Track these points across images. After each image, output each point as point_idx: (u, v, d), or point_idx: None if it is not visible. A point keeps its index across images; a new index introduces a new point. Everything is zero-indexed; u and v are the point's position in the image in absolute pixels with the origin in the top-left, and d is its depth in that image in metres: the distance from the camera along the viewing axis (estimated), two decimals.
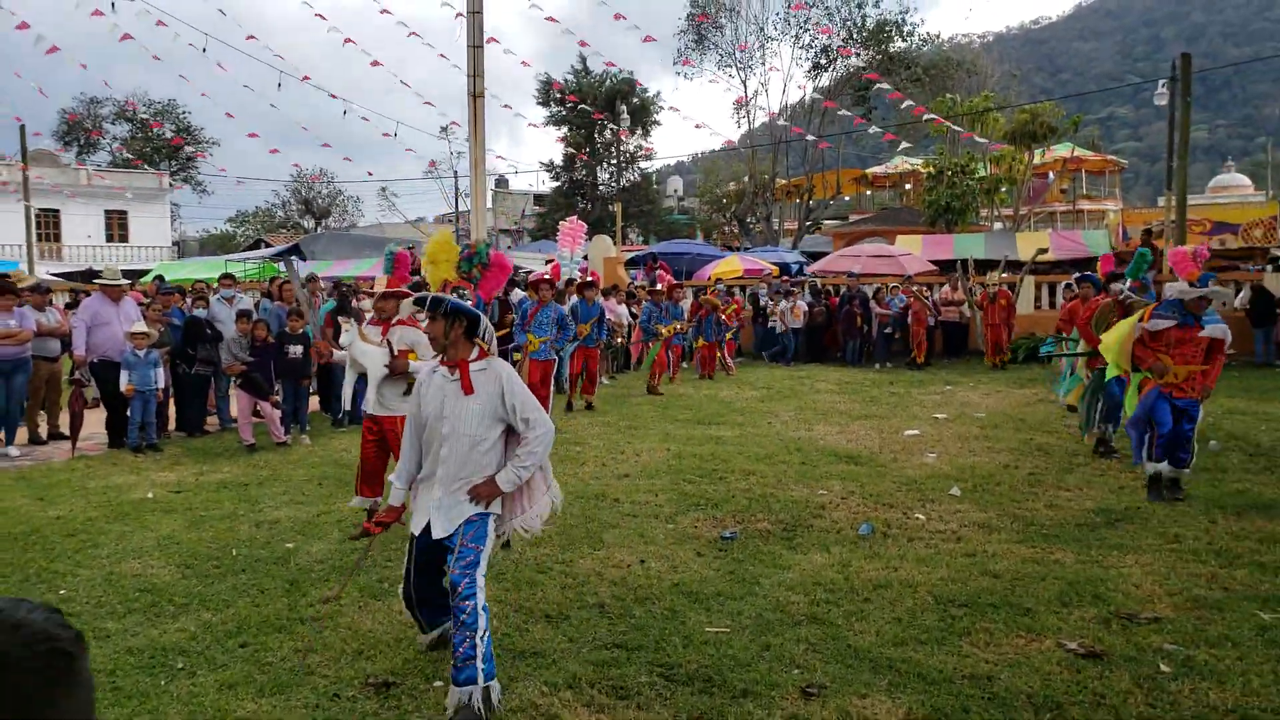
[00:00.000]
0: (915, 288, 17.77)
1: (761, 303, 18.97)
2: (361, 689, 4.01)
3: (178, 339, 10.49)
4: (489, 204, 9.21)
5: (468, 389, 3.98)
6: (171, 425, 10.71)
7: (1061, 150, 38.05)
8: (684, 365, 16.10)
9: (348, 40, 14.80)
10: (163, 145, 48.42)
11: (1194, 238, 19.17)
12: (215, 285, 12.49)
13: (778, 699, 3.90)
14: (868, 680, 4.06)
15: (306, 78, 16.74)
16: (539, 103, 45.82)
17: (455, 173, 43.14)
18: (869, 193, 47.62)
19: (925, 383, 14.76)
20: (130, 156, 45.91)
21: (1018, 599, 5.00)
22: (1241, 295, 16.19)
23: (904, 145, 29.61)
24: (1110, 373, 7.96)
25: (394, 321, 6.52)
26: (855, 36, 38.18)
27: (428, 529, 4.02)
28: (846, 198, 46.17)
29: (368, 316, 6.85)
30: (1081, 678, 4.06)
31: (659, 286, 15.65)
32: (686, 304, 16.71)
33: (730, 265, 22.80)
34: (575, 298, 12.60)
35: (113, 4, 12.14)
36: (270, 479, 8.27)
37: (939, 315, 18.07)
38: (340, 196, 57.95)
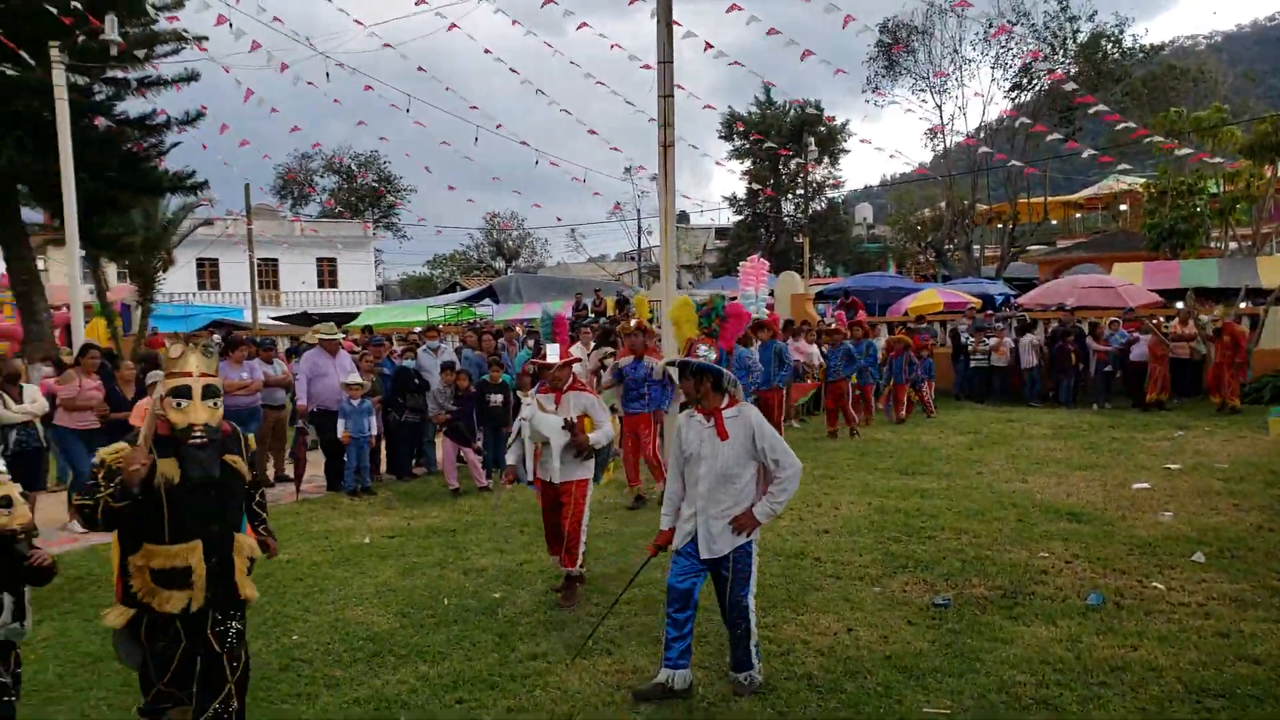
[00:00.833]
0: (1153, 320, 16.31)
1: (963, 339, 18.04)
2: None
3: (388, 388, 11.16)
4: (661, 242, 9.36)
5: (723, 435, 4.62)
6: (383, 468, 11.38)
7: None
8: (877, 408, 15.49)
9: (538, 91, 15.42)
10: (366, 194, 52.32)
11: None
12: (420, 337, 13.23)
13: None
14: None
15: (500, 126, 17.57)
16: (721, 137, 46.16)
17: (639, 212, 44.11)
18: (1078, 216, 44.74)
19: (1151, 427, 13.45)
20: (340, 209, 49.90)
21: None
22: None
23: (1122, 166, 27.26)
24: None
25: (565, 388, 6.36)
26: (1061, 52, 36.06)
27: (694, 546, 4.68)
28: (1053, 222, 43.51)
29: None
30: None
31: (833, 326, 15.28)
32: (880, 342, 16.17)
33: (929, 299, 21.78)
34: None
35: (327, 74, 13.27)
36: (475, 525, 8.57)
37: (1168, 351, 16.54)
38: (529, 238, 60.57)
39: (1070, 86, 23.80)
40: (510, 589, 6.50)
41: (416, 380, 11.19)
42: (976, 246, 41.28)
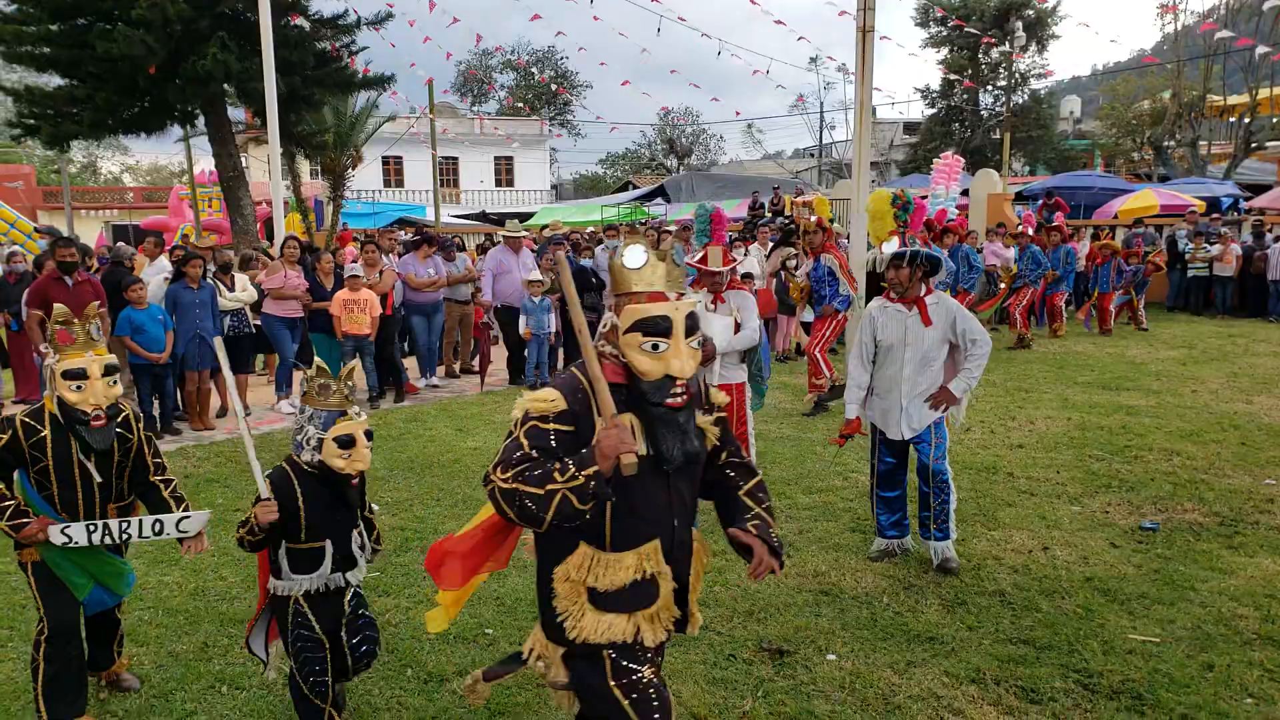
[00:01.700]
0: None
1: (1181, 247, 16.42)
2: (756, 653, 4.03)
3: None
4: (855, 137, 8.78)
5: (926, 321, 4.91)
6: (559, 365, 11.67)
7: None
8: (1076, 318, 14.48)
9: None
10: (543, 92, 52.64)
11: None
12: (600, 235, 13.32)
13: None
14: None
15: (682, 19, 17.15)
16: (917, 24, 43.24)
17: (821, 105, 42.31)
18: None
19: None
20: (518, 103, 50.51)
21: None
22: None
23: None
24: None
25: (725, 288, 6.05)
26: None
27: (886, 430, 5.06)
28: None
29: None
30: None
31: (1024, 229, 14.18)
32: (1083, 247, 15.00)
33: (1144, 200, 19.80)
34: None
35: None
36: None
37: None
38: (703, 135, 59.55)
39: None
40: None
41: (594, 279, 11.31)
42: (1203, 143, 37.01)
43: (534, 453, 2.33)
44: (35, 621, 3.53)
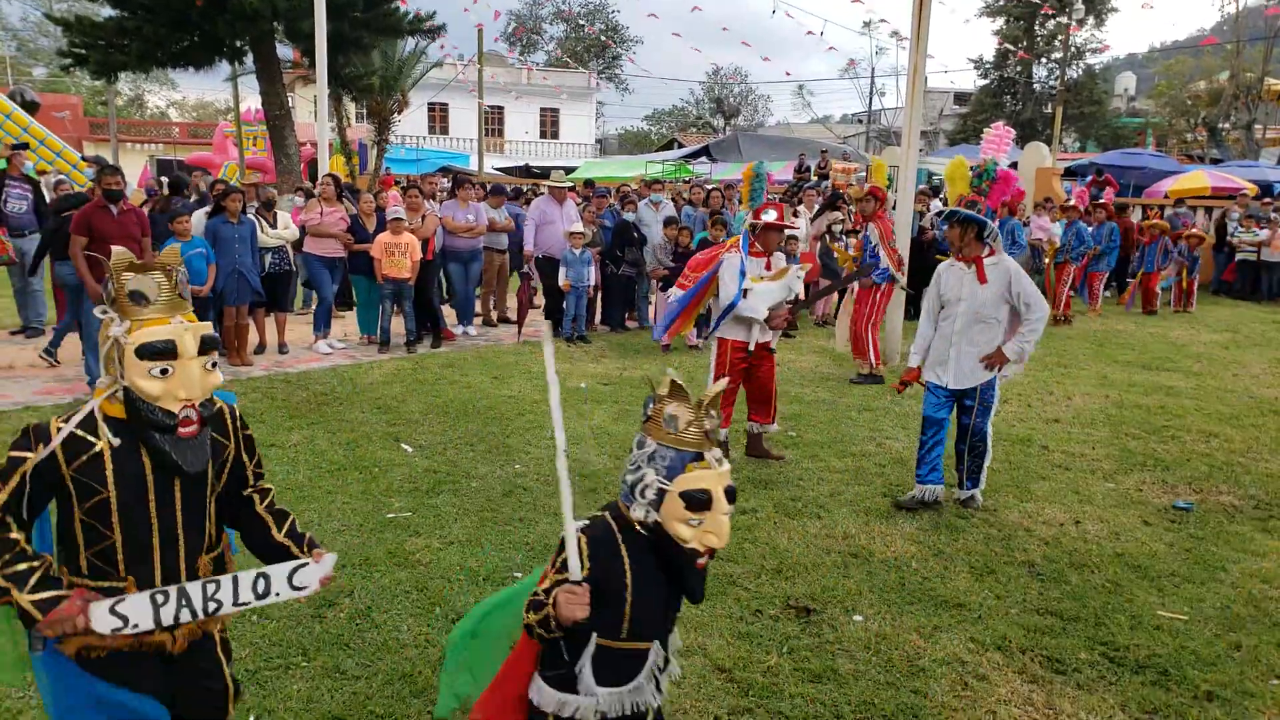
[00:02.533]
0: None
1: (1230, 230, 16.10)
2: (782, 609, 4.08)
3: (608, 240, 11.32)
4: (906, 104, 8.66)
5: (982, 279, 5.17)
6: (597, 319, 11.70)
7: None
8: (1105, 295, 14.27)
9: None
10: (593, 44, 52.07)
11: None
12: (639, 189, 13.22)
13: (1253, 711, 3.36)
14: None
15: None
16: None
17: (872, 70, 41.59)
18: None
19: None
20: (565, 57, 50.06)
21: None
22: None
23: None
24: None
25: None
26: None
27: (941, 382, 5.34)
28: None
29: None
30: None
31: (1070, 203, 13.91)
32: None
33: (1195, 181, 19.39)
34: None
35: None
36: (685, 380, 8.68)
37: None
38: (751, 95, 58.80)
39: None
40: None
41: (636, 234, 11.29)
42: (1259, 126, 36.10)
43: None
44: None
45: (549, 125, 46.37)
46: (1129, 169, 21.10)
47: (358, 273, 9.93)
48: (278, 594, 2.30)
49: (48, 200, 10.26)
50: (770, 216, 6.05)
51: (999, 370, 5.22)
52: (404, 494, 5.43)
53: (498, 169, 32.33)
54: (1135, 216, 16.21)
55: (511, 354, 9.90)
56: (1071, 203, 14.06)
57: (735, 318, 5.99)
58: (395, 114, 27.42)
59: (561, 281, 10.36)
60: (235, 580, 2.25)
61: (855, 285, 8.92)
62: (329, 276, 9.72)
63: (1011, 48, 39.12)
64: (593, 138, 48.60)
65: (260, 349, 9.39)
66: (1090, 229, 13.33)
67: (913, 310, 9.97)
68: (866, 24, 43.72)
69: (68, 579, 2.16)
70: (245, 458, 2.42)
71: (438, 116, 43.68)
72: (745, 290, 5.91)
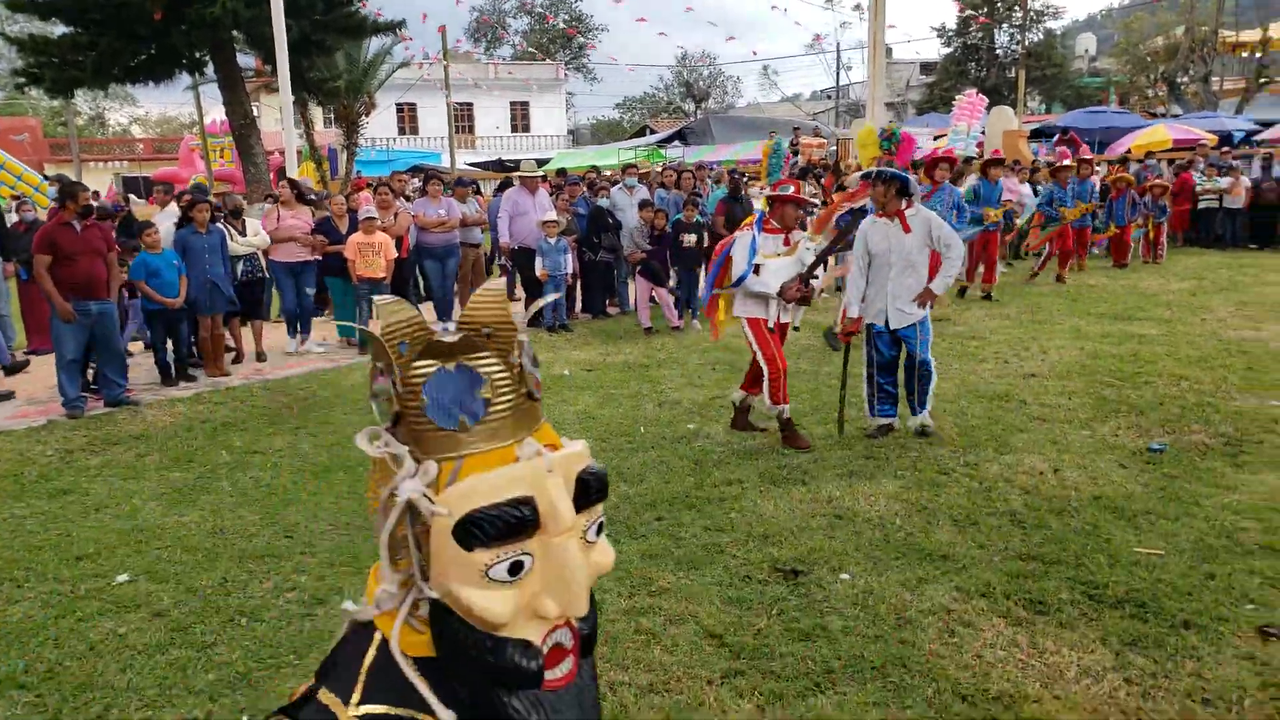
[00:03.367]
0: None
1: (1195, 181, 16.29)
2: (771, 573, 4.15)
3: (583, 227, 11.34)
4: (869, 74, 8.80)
5: (906, 229, 5.85)
6: (578, 307, 11.74)
7: None
8: (1094, 251, 14.44)
9: None
10: (558, 36, 51.88)
11: None
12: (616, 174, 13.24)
13: (1227, 635, 3.46)
14: None
15: None
16: None
17: (838, 45, 41.65)
18: None
19: None
20: (531, 49, 49.89)
21: None
22: None
23: None
24: None
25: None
26: None
27: (884, 325, 5.99)
28: None
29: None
30: None
31: (1065, 163, 13.97)
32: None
33: (1156, 135, 19.69)
34: (975, 177, 11.70)
35: None
36: (668, 361, 8.77)
37: None
38: (720, 78, 58.78)
39: None
40: (703, 421, 6.66)
41: (610, 219, 11.31)
42: (1216, 79, 36.48)
43: None
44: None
45: (520, 119, 46.20)
46: (1094, 127, 21.30)
47: (333, 275, 9.93)
48: None
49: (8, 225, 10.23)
50: (787, 191, 6.04)
51: (930, 306, 5.92)
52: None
53: (470, 165, 32.26)
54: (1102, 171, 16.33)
55: None
56: (1068, 163, 13.94)
57: (749, 294, 5.89)
58: (363, 116, 27.28)
59: (539, 271, 10.38)
60: None
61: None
62: (292, 283, 9.68)
63: (972, 14, 39.34)
64: (565, 129, 48.46)
65: (238, 358, 9.38)
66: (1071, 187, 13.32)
67: None
68: None
69: None
70: None
71: (406, 116, 43.48)
72: (757, 266, 5.84)
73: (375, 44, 24.54)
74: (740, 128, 30.55)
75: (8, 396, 8.10)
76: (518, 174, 11.34)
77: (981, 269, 11.47)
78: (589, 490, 1.08)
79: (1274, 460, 5.28)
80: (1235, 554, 4.13)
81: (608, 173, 17.17)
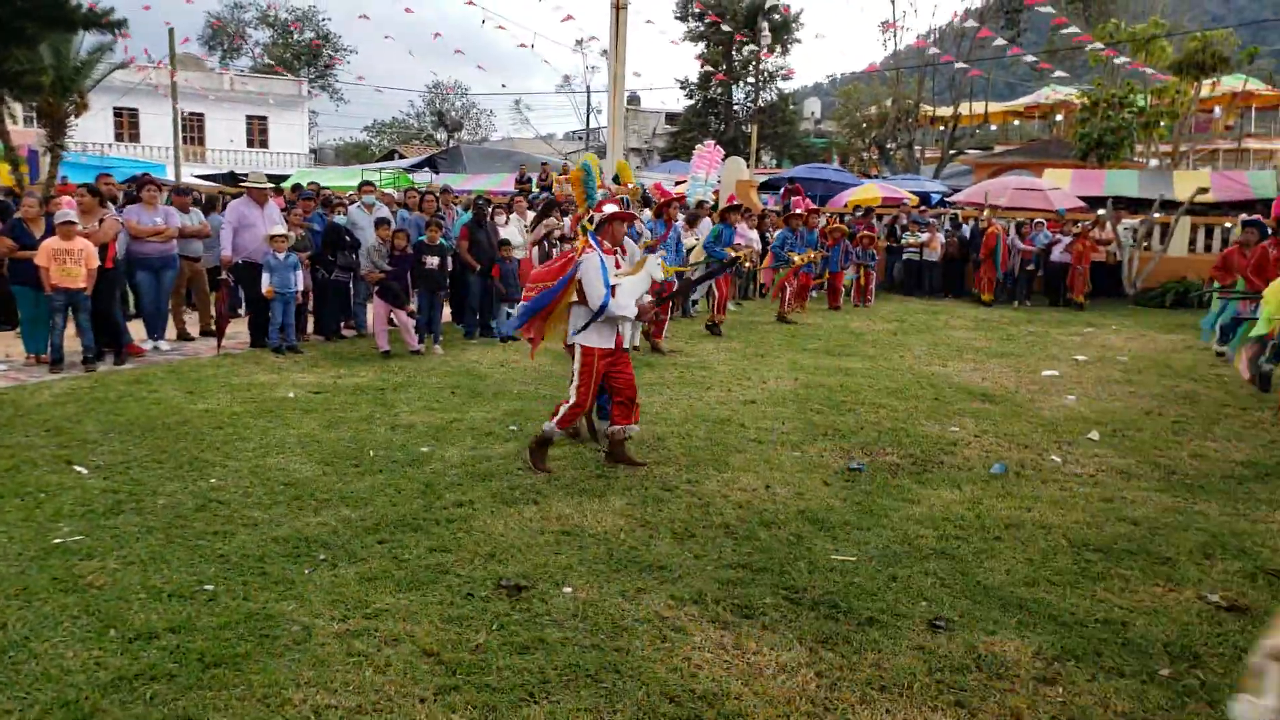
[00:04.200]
0: (1079, 224, 16.74)
1: (898, 234, 18.28)
2: (494, 590, 4.11)
3: (317, 244, 10.84)
4: (609, 114, 9.15)
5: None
6: (310, 329, 11.17)
7: (1231, 83, 34.81)
8: (813, 294, 15.71)
9: None
10: (302, 51, 49.70)
11: None
12: (354, 193, 12.78)
13: (905, 629, 3.83)
14: (996, 618, 3.94)
15: None
16: (677, 17, 45.10)
17: (588, 88, 42.93)
18: (1017, 123, 44.96)
19: (1066, 323, 14.07)
20: (271, 62, 47.40)
21: (1157, 548, 4.80)
22: None
23: (1058, 73, 27.48)
24: (1260, 328, 7.41)
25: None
26: None
27: None
28: (993, 127, 43.77)
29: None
30: (1223, 630, 3.88)
31: (798, 211, 15.17)
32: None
33: (868, 192, 21.90)
34: (708, 222, 12.44)
35: None
36: (405, 385, 8.53)
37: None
38: (474, 110, 58.67)
39: None
40: (439, 444, 6.52)
41: (348, 237, 10.89)
42: (918, 147, 41.53)
43: None
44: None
45: (257, 133, 43.59)
46: (816, 181, 23.34)
47: (21, 283, 8.81)
48: None
49: None
50: (611, 209, 5.88)
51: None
52: (76, 518, 4.91)
53: (200, 177, 29.98)
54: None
55: (210, 367, 9.22)
56: (799, 212, 15.01)
57: (603, 322, 5.74)
58: (72, 117, 24.59)
59: (265, 288, 9.77)
60: None
61: None
62: None
63: (712, 70, 42.06)
64: (306, 147, 46.26)
65: None
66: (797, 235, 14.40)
67: None
68: (579, 41, 45.02)
69: None
70: None
71: (126, 122, 39.78)
72: (614, 288, 5.67)
73: (90, 39, 22.28)
74: (493, 159, 30.62)
75: None
76: (245, 183, 10.67)
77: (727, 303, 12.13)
78: None
79: (950, 478, 5.95)
80: (915, 558, 4.59)
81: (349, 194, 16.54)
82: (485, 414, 7.36)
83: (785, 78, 46.16)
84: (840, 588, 4.20)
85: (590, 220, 5.93)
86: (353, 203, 11.96)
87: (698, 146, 16.44)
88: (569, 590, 4.13)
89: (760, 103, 42.35)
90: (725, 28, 36.32)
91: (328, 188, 15.24)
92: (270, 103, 41.85)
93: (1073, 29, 20.25)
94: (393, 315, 10.21)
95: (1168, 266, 17.04)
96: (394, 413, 7.43)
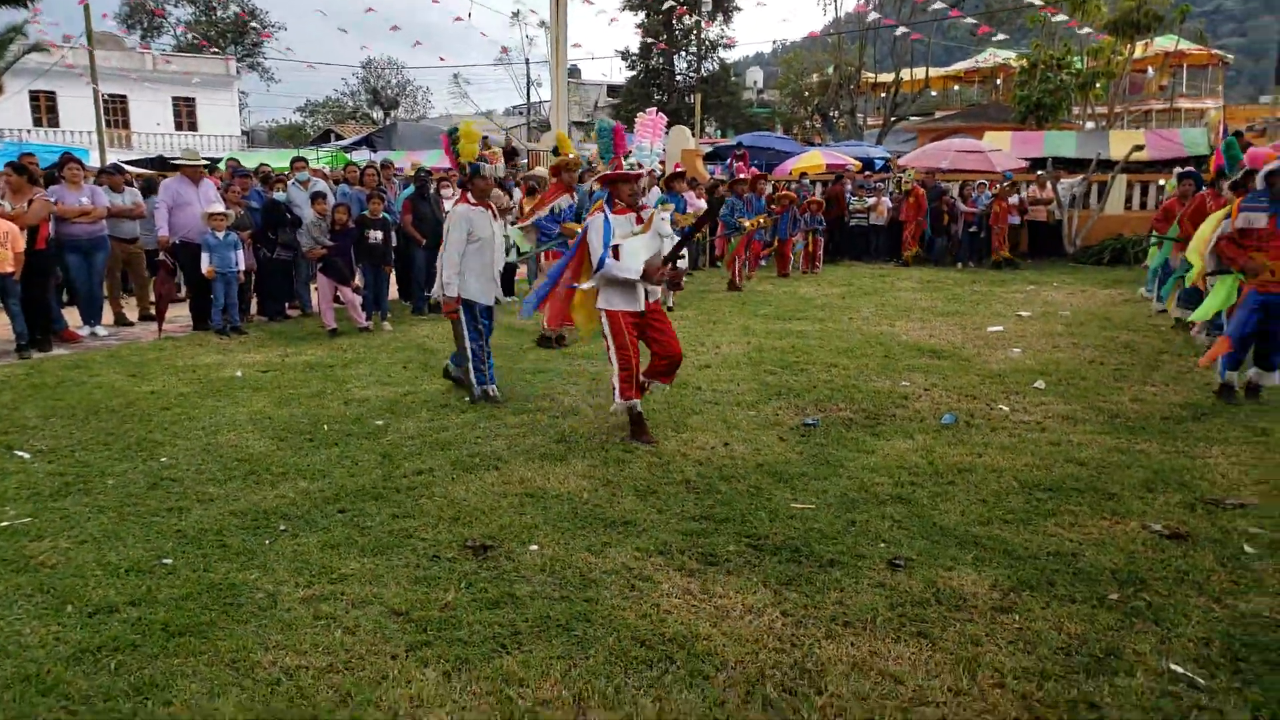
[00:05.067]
0: (1000, 185, 17.05)
1: (847, 200, 18.41)
2: (460, 551, 4.11)
3: (257, 222, 10.61)
4: (552, 86, 9.03)
5: (497, 218, 6.73)
6: (254, 310, 10.95)
7: (1164, 43, 35.67)
8: (762, 263, 15.82)
9: None
10: (228, 28, 48.33)
11: None
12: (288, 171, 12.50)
13: (865, 569, 3.91)
14: (954, 555, 4.05)
15: None
16: None
17: (527, 60, 42.42)
18: (957, 88, 45.58)
19: (1009, 282, 14.36)
20: (196, 37, 46.01)
21: (1103, 485, 4.96)
22: None
23: (999, 36, 27.83)
24: (1191, 276, 7.64)
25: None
26: None
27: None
28: (934, 92, 44.32)
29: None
30: (1165, 556, 4.04)
31: (742, 178, 15.20)
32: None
33: (812, 160, 22.00)
34: (658, 191, 12.40)
35: None
36: (355, 361, 8.44)
37: (1026, 214, 17.45)
38: (410, 86, 57.68)
39: None
40: (394, 417, 6.47)
41: (288, 214, 10.67)
42: (860, 114, 41.89)
43: None
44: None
45: (185, 115, 42.30)
46: (762, 148, 23.40)
47: None
48: None
49: None
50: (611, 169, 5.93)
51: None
52: (20, 501, 4.80)
53: (127, 163, 29.08)
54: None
55: (153, 350, 9.02)
56: (743, 177, 15.04)
57: (613, 282, 5.66)
58: None
59: (205, 268, 9.54)
60: None
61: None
62: None
63: (653, 40, 41.81)
64: (238, 129, 45.07)
65: None
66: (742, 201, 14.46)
67: None
68: (515, 14, 44.54)
69: None
70: None
71: (44, 106, 38.36)
72: (615, 248, 5.58)
73: (3, 18, 21.45)
74: (431, 137, 30.15)
75: None
76: (179, 161, 10.39)
77: None
78: None
79: (902, 429, 6.07)
80: (872, 504, 4.69)
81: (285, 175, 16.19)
82: (439, 387, 7.31)
83: (727, 46, 46.17)
84: (801, 534, 4.27)
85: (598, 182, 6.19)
86: (289, 179, 11.70)
87: (639, 114, 16.38)
88: (535, 548, 4.14)
89: (703, 73, 42.26)
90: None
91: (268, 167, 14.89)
92: (196, 83, 40.63)
93: None
94: (339, 293, 10.06)
95: (1105, 224, 17.46)
96: (346, 388, 7.35)
